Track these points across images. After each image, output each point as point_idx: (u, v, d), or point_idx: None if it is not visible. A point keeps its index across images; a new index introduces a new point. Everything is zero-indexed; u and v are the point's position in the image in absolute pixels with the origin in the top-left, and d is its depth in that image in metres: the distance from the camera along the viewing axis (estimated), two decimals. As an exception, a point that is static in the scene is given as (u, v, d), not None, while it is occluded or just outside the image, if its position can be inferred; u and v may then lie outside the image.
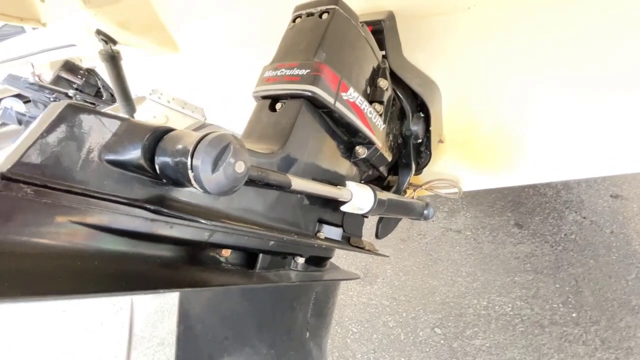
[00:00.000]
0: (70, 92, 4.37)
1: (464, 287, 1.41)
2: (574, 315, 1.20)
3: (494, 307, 1.28)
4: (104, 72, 3.99)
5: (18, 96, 4.64)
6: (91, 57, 3.41)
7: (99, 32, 1.44)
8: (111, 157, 0.36)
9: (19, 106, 4.27)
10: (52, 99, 4.35)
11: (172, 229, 0.42)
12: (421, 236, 1.77)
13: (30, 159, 0.31)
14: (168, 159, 0.35)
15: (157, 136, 0.37)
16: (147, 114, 1.98)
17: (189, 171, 0.34)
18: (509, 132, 1.15)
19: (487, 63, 1.02)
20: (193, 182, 0.34)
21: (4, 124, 4.72)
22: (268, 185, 0.49)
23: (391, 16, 0.93)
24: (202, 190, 0.35)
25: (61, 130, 0.33)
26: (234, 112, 1.68)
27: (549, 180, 1.12)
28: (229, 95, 1.60)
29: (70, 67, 4.40)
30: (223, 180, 0.34)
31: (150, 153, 0.37)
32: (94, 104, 4.49)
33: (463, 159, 1.26)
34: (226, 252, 0.53)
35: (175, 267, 0.44)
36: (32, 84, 4.21)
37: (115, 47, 1.49)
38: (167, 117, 1.91)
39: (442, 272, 1.51)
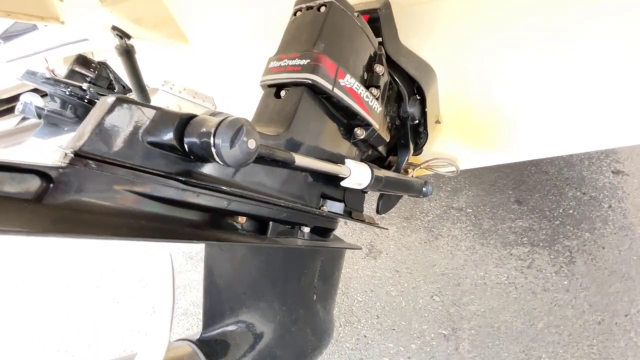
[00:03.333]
0: (84, 86, 4.50)
1: (463, 259, 1.50)
2: (565, 283, 1.28)
3: (490, 277, 1.37)
4: (116, 65, 4.12)
5: (34, 91, 4.82)
6: (103, 51, 3.50)
7: (114, 28, 1.53)
8: (150, 139, 0.45)
9: (37, 100, 4.44)
10: (67, 93, 4.49)
11: (199, 197, 0.52)
12: (424, 214, 1.85)
13: (93, 139, 0.41)
14: (195, 139, 0.45)
15: (184, 121, 0.47)
16: (161, 104, 2.08)
17: (212, 148, 0.43)
18: (504, 110, 1.21)
19: (481, 45, 1.08)
20: (215, 157, 0.44)
21: (24, 118, 4.93)
22: (275, 161, 0.58)
23: (387, 4, 0.99)
24: (222, 164, 0.44)
25: (113, 118, 0.43)
26: (242, 100, 1.77)
27: (545, 155, 1.18)
28: (237, 84, 1.68)
29: (83, 60, 4.51)
30: (239, 154, 0.44)
31: (179, 135, 0.46)
32: (105, 95, 4.59)
33: (460, 139, 1.33)
34: (242, 219, 0.62)
35: (202, 228, 0.54)
36: (48, 78, 4.36)
37: (130, 42, 1.59)
38: (180, 106, 2.01)
39: (442, 247, 1.59)
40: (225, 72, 1.67)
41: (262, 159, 0.54)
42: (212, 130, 0.43)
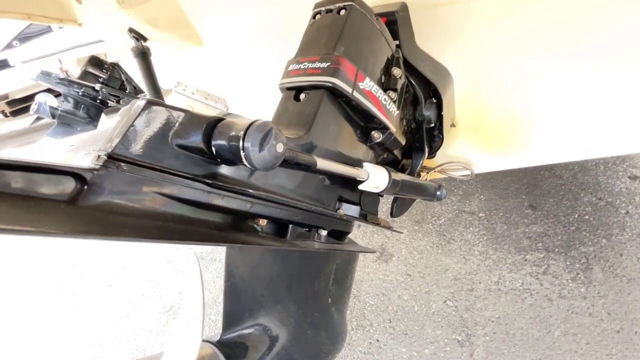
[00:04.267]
0: (97, 86, 4.57)
1: (476, 264, 1.48)
2: (582, 290, 1.25)
3: (504, 283, 1.35)
4: (128, 66, 4.16)
5: (48, 91, 4.91)
6: (115, 52, 3.54)
7: (131, 30, 1.55)
8: (179, 141, 0.46)
9: (51, 101, 4.53)
10: (80, 93, 4.57)
11: (223, 200, 0.52)
12: (435, 218, 1.84)
13: (125, 142, 0.41)
14: (223, 142, 0.45)
15: (212, 124, 0.47)
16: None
17: (241, 151, 0.43)
18: (519, 115, 1.19)
19: (497, 48, 1.07)
20: (244, 160, 0.44)
21: (39, 118, 5.03)
22: (297, 164, 0.58)
23: (404, 7, 0.99)
24: (250, 167, 0.44)
25: (144, 120, 0.43)
26: (255, 102, 1.78)
27: (561, 160, 1.16)
28: (250, 86, 1.69)
29: (96, 62, 4.58)
30: (267, 158, 0.44)
31: (207, 138, 0.47)
32: (118, 96, 4.69)
33: (475, 142, 1.32)
34: (263, 222, 0.63)
35: (225, 230, 0.54)
36: (62, 79, 4.44)
37: (145, 44, 1.61)
38: (192, 107, 2.03)
39: (455, 251, 1.58)
40: (238, 73, 1.68)
41: (285, 162, 0.54)
42: (242, 134, 0.43)
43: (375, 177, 0.78)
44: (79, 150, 0.45)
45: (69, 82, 4.66)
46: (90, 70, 4.84)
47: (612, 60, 0.96)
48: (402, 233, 1.73)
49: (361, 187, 0.78)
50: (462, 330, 1.21)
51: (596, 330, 1.11)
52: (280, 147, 0.45)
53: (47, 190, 0.36)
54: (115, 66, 4.89)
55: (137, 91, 5.32)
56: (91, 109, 5.00)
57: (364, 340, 1.25)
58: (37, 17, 1.56)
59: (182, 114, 0.46)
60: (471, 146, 1.31)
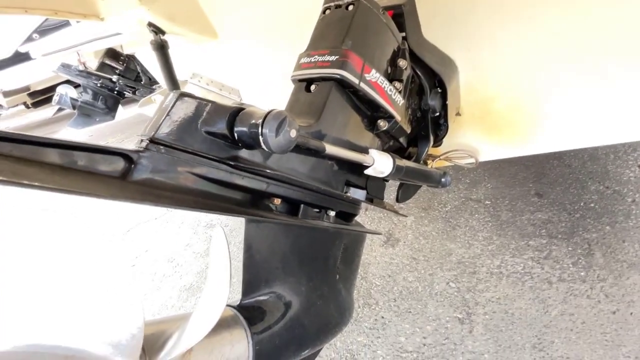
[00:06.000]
0: (114, 78, 4.71)
1: (480, 249, 1.53)
2: (582, 274, 1.29)
3: (506, 267, 1.41)
4: (144, 58, 4.26)
5: (67, 82, 5.07)
6: (132, 44, 3.61)
7: (150, 24, 1.63)
8: (206, 128, 0.53)
9: (72, 92, 4.67)
10: (99, 85, 4.71)
11: (243, 180, 0.60)
12: (442, 205, 1.89)
13: (162, 128, 0.49)
14: (244, 129, 0.52)
15: (235, 113, 0.54)
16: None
17: (260, 137, 0.50)
18: (524, 104, 1.22)
19: (503, 38, 1.10)
20: (262, 144, 0.51)
21: (60, 109, 5.17)
22: (308, 149, 0.65)
23: (411, 0, 1.03)
24: (267, 150, 0.51)
25: (177, 110, 0.51)
26: (267, 93, 1.84)
27: (569, 147, 1.19)
28: (262, 77, 1.76)
29: (112, 53, 4.71)
30: (282, 142, 0.51)
31: (230, 125, 0.54)
32: (134, 87, 4.82)
33: (480, 131, 1.35)
34: (277, 201, 0.70)
35: (244, 205, 0.62)
36: (81, 71, 4.58)
37: (164, 37, 1.68)
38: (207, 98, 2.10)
39: (459, 237, 1.63)
40: (252, 65, 1.75)
41: (297, 148, 0.61)
42: (260, 121, 0.50)
43: (380, 163, 0.84)
44: (99, 140, 0.54)
45: (87, 74, 4.81)
46: (107, 62, 4.98)
47: (622, 45, 0.97)
48: (407, 217, 1.79)
49: (367, 171, 0.85)
50: (463, 309, 1.27)
51: (592, 311, 1.16)
52: (293, 133, 0.52)
53: (104, 167, 0.45)
54: (131, 58, 5.01)
55: (152, 82, 5.46)
56: (109, 99, 5.16)
57: (370, 317, 1.33)
58: (63, 13, 1.65)
59: (209, 104, 0.54)
60: (477, 135, 1.35)
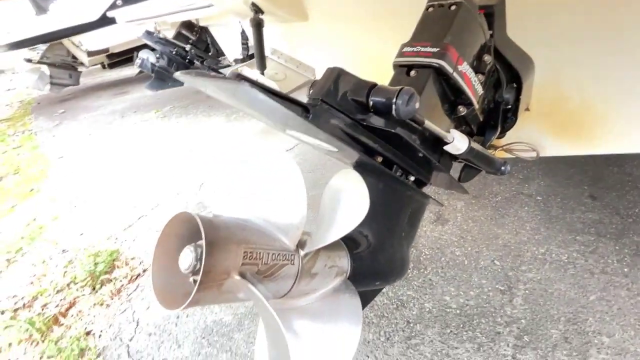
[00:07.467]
0: (187, 47, 5.12)
1: (526, 237, 1.66)
2: (625, 270, 1.38)
3: (550, 255, 1.52)
4: (216, 32, 4.60)
5: (144, 47, 5.58)
6: (208, 18, 3.91)
7: (253, 4, 1.87)
8: (352, 96, 0.74)
9: (152, 57, 5.16)
10: (174, 52, 5.13)
11: (363, 137, 0.81)
12: (493, 195, 2.00)
13: (326, 92, 0.71)
14: (381, 99, 0.72)
15: (372, 87, 0.74)
16: (270, 72, 2.44)
17: (393, 105, 0.70)
18: (597, 106, 1.30)
19: (582, 42, 1.19)
20: (394, 112, 0.71)
21: (141, 72, 5.72)
22: (413, 120, 0.84)
23: (503, 1, 1.15)
24: (397, 116, 0.71)
25: (339, 82, 0.72)
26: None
27: (632, 151, 1.26)
28: (345, 60, 1.94)
29: (188, 24, 5.11)
30: (410, 110, 0.70)
31: (367, 96, 0.74)
32: (203, 57, 5.20)
33: (545, 127, 1.45)
34: (379, 159, 0.90)
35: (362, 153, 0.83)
36: (161, 39, 5.03)
37: (262, 16, 1.92)
38: (285, 74, 2.34)
39: (507, 224, 1.76)
40: (335, 48, 1.93)
41: (407, 117, 0.80)
42: (395, 94, 0.70)
43: (458, 141, 1.01)
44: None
45: (166, 42, 5.29)
46: (183, 31, 5.43)
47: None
48: (467, 193, 1.93)
49: (447, 147, 1.02)
50: (506, 283, 1.43)
51: (630, 301, 1.26)
52: (417, 104, 0.71)
53: (289, 111, 0.67)
54: (204, 30, 5.42)
55: (219, 54, 5.87)
56: (181, 67, 5.63)
57: (419, 278, 1.53)
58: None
59: (354, 79, 0.74)
60: (541, 130, 1.44)
